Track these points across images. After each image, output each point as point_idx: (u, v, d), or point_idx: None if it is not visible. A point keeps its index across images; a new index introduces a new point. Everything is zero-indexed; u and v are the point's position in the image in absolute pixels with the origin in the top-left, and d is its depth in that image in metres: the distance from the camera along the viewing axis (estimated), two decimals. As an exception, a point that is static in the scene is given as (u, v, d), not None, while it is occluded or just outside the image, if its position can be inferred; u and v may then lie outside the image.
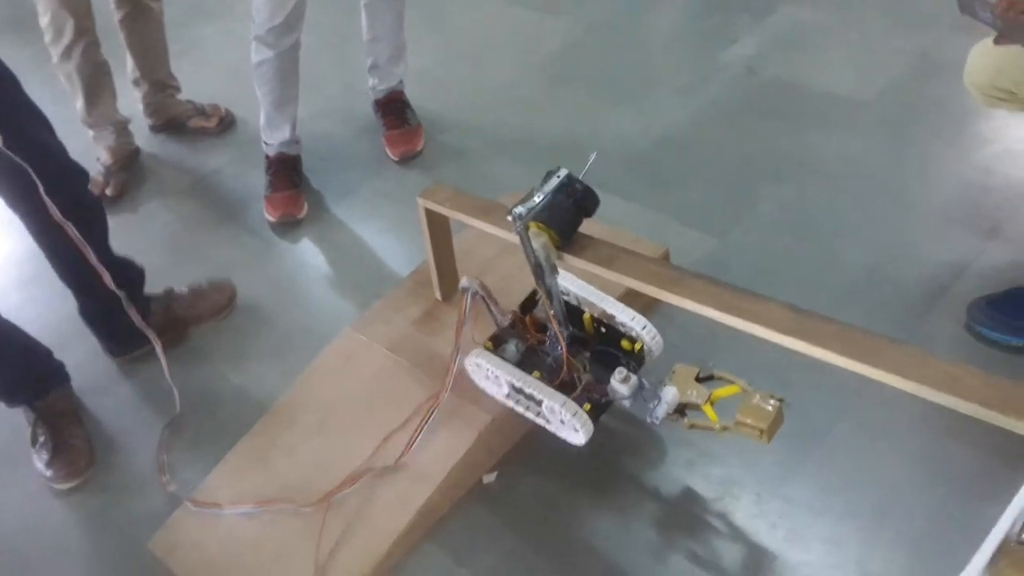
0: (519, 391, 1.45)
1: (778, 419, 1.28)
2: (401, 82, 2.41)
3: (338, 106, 2.58)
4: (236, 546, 1.50)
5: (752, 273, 1.78)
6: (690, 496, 1.49)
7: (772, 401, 1.28)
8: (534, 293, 1.52)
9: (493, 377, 1.48)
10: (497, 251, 1.84)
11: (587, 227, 1.36)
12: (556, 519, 1.49)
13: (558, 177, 1.32)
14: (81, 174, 1.71)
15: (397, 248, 2.09)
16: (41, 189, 1.46)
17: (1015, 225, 1.81)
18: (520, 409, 1.47)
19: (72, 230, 1.53)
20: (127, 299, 1.65)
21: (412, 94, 2.44)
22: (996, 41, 1.43)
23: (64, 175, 1.60)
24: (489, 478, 1.56)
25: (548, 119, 2.41)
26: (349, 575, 1.42)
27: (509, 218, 1.31)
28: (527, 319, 1.53)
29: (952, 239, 1.82)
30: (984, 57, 1.60)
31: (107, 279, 1.62)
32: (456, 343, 1.52)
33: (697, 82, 2.43)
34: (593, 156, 1.33)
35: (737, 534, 1.42)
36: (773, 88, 2.36)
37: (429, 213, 1.59)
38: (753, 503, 1.45)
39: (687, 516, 1.46)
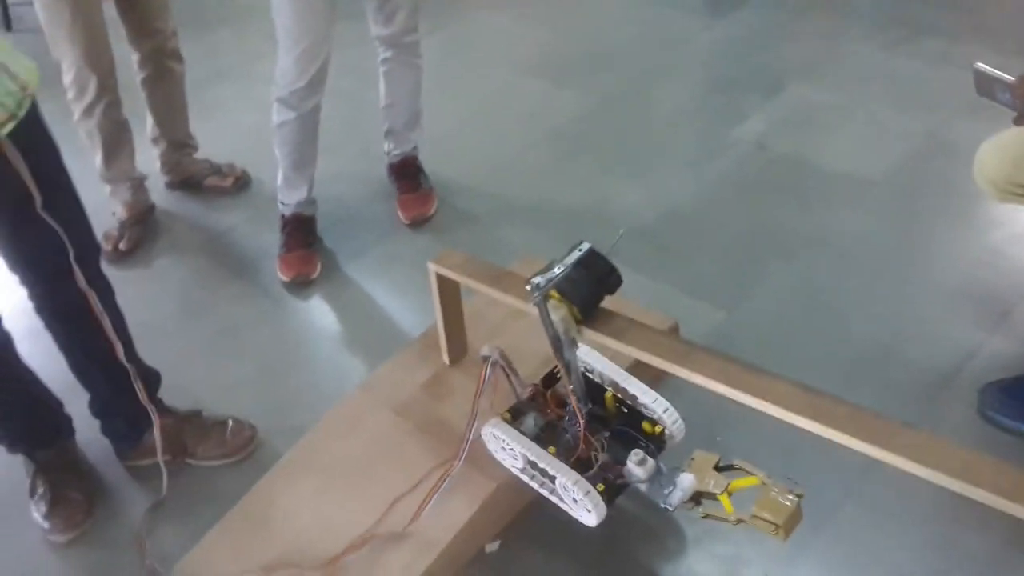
0: (533, 466, 1.43)
1: (796, 515, 1.26)
2: (416, 147, 2.45)
3: (353, 169, 2.62)
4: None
5: (760, 348, 1.78)
6: (693, 573, 1.46)
7: (791, 497, 1.26)
8: (556, 367, 1.50)
9: (509, 449, 1.46)
10: (505, 316, 1.84)
11: (598, 297, 1.36)
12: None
13: (580, 250, 1.32)
14: (99, 250, 1.72)
15: (406, 311, 2.10)
16: (72, 255, 1.47)
17: None
18: (535, 485, 1.45)
19: (95, 299, 1.53)
20: (135, 374, 1.63)
21: (426, 159, 2.47)
22: (1016, 122, 1.43)
23: (89, 246, 1.61)
24: (492, 547, 1.54)
25: (557, 188, 2.45)
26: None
27: (528, 287, 1.30)
28: (548, 393, 1.52)
29: (962, 322, 1.82)
30: (998, 152, 1.61)
31: (119, 351, 1.61)
32: (473, 411, 1.51)
33: (706, 157, 2.47)
34: (621, 233, 1.34)
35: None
36: (782, 165, 2.40)
37: (440, 278, 1.60)
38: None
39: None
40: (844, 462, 1.46)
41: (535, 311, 1.45)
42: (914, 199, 2.18)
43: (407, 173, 2.44)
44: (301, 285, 2.23)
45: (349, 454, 1.66)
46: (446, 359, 1.77)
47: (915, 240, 2.06)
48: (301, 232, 2.31)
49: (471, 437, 1.51)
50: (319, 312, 2.18)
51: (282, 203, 2.32)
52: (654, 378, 1.51)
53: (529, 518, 1.57)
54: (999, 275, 1.92)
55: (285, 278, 2.25)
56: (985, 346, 1.75)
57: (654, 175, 2.43)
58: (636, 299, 1.83)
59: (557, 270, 1.30)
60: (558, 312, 1.30)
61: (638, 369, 1.48)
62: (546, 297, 1.29)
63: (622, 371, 1.46)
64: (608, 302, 1.41)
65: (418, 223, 2.37)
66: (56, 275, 1.52)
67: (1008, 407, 1.59)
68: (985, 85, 1.45)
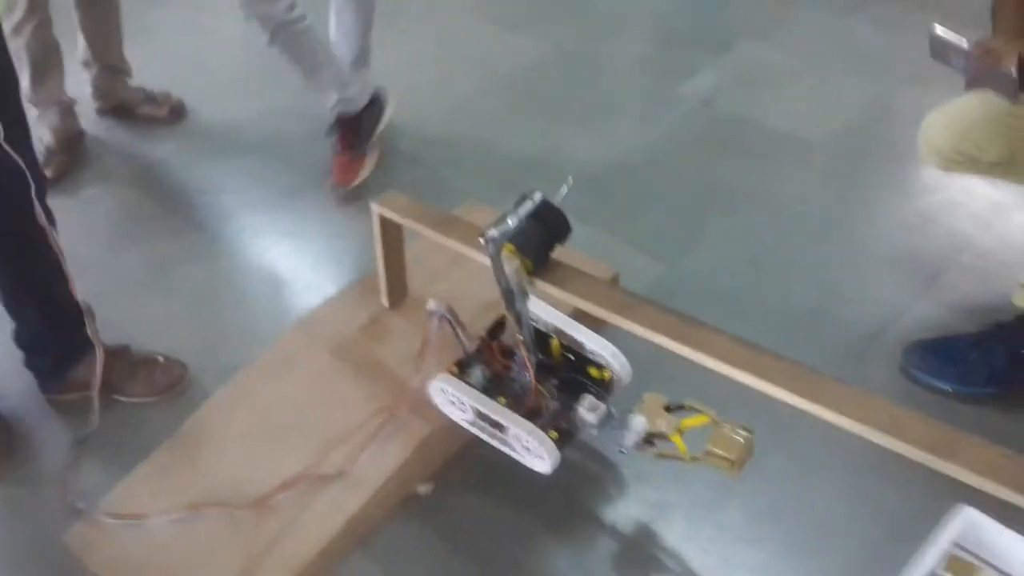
0: (484, 417, 1.43)
1: (748, 450, 1.28)
2: (361, 106, 2.32)
3: (298, 106, 2.54)
4: (157, 545, 1.45)
5: (698, 301, 1.80)
6: (621, 516, 1.49)
7: (743, 432, 1.28)
8: (502, 319, 1.49)
9: (458, 402, 1.45)
10: (447, 262, 1.83)
11: (540, 244, 1.36)
12: (488, 533, 1.48)
13: (532, 201, 1.30)
14: (46, 182, 1.65)
15: (346, 253, 2.06)
16: (33, 190, 1.42)
17: (952, 274, 1.87)
18: (485, 436, 1.45)
19: (53, 234, 1.48)
20: (87, 310, 1.59)
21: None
22: (968, 87, 1.44)
23: (41, 180, 1.54)
24: (425, 489, 1.54)
25: (507, 135, 2.42)
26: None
27: (481, 240, 1.29)
28: (494, 345, 1.50)
29: (893, 284, 1.87)
30: (945, 121, 1.63)
31: (74, 287, 1.55)
32: (420, 367, 1.49)
33: (655, 111, 2.47)
34: (568, 183, 1.33)
35: (668, 557, 1.42)
36: (729, 122, 2.41)
37: (383, 220, 1.57)
38: (684, 527, 1.46)
39: (616, 536, 1.46)
40: (773, 414, 1.50)
41: (479, 258, 1.45)
42: (855, 162, 2.21)
43: (344, 132, 2.35)
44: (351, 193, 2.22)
45: (283, 394, 1.64)
46: (385, 302, 1.75)
47: (853, 203, 2.10)
48: (347, 133, 2.27)
49: (416, 387, 1.49)
50: (256, 250, 2.13)
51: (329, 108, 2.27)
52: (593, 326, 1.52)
53: (463, 461, 1.57)
54: (929, 240, 1.97)
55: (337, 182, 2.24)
56: (912, 307, 1.80)
57: (603, 126, 2.42)
58: (578, 248, 1.84)
59: (511, 222, 1.28)
60: (511, 264, 1.28)
61: (578, 318, 1.49)
62: (499, 250, 1.28)
63: (568, 318, 1.46)
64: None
65: (342, 188, 2.27)
66: (13, 210, 1.46)
67: (929, 366, 1.65)
68: (940, 49, 1.45)
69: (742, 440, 1.27)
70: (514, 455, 1.42)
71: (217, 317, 1.93)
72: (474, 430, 1.46)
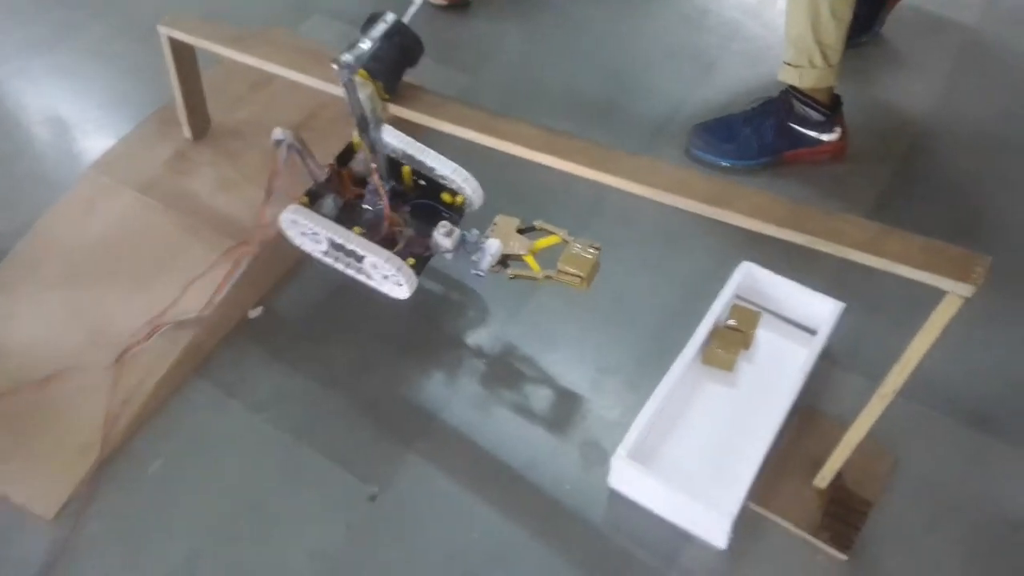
0: (339, 247, 1.41)
1: (596, 266, 1.34)
2: None
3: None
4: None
5: (502, 106, 1.87)
6: (443, 312, 1.59)
7: (591, 250, 1.34)
8: (350, 146, 1.46)
9: (311, 233, 1.42)
10: (247, 87, 1.79)
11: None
12: (315, 345, 1.54)
13: (385, 23, 1.25)
14: None
15: (136, 89, 1.95)
16: None
17: (727, 61, 2.03)
18: (340, 266, 1.43)
19: None
20: None
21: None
22: None
23: None
24: (255, 313, 1.57)
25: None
26: (110, 417, 1.39)
27: (334, 66, 1.22)
28: (344, 173, 1.47)
29: (675, 75, 2.00)
30: None
31: None
32: (267, 195, 1.44)
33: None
34: (418, 2, 1.28)
35: (495, 341, 1.55)
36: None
37: (173, 43, 1.50)
38: (511, 307, 1.58)
39: (441, 334, 1.56)
40: (575, 201, 1.63)
41: (278, 76, 1.42)
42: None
43: None
44: (461, 9, 2.12)
45: (91, 239, 1.59)
46: (188, 133, 1.70)
47: (633, 3, 2.19)
48: None
49: (267, 221, 1.45)
50: (33, 94, 1.98)
51: None
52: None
53: (290, 282, 1.61)
54: (706, 31, 2.11)
55: (441, 1, 2.15)
56: (693, 94, 1.95)
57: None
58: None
59: (364, 46, 1.23)
60: (365, 90, 1.25)
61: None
62: (354, 75, 1.23)
63: (417, 144, 1.43)
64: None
65: None
66: None
67: (709, 144, 1.81)
68: None
69: (590, 256, 1.33)
70: (371, 284, 1.43)
71: (4, 172, 1.81)
72: (328, 260, 1.45)
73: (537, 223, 1.40)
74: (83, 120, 1.92)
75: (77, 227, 1.61)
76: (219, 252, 1.53)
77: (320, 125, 1.73)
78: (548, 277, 1.35)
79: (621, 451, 1.30)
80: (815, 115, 1.76)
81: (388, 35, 1.25)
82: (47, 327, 1.49)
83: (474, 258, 1.37)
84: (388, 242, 1.40)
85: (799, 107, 1.76)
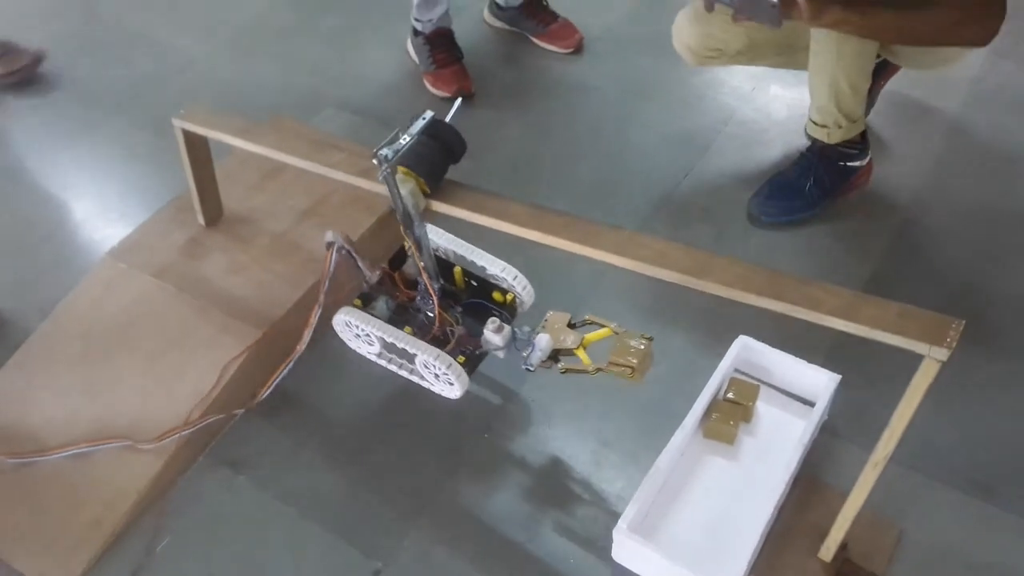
0: (392, 347, 1.43)
1: (648, 357, 1.33)
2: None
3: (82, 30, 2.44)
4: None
5: (501, 189, 1.92)
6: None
7: (642, 341, 1.33)
8: (402, 248, 1.49)
9: (364, 335, 1.45)
10: (260, 176, 1.86)
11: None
12: (320, 422, 1.57)
13: (424, 119, 1.27)
14: None
15: (154, 180, 2.04)
16: None
17: (721, 143, 2.09)
18: (394, 368, 1.46)
19: None
20: None
21: (162, 25, 2.34)
22: (735, 19, 1.52)
23: None
24: (263, 393, 1.60)
25: (304, 46, 2.43)
26: (123, 495, 1.42)
27: (374, 161, 1.21)
28: (396, 275, 1.50)
29: (671, 156, 2.07)
30: (692, 24, 1.83)
31: None
32: (318, 295, 1.47)
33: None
34: (458, 102, 1.32)
35: (496, 416, 1.57)
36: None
37: (187, 135, 1.58)
38: (508, 386, 1.60)
39: (441, 410, 1.55)
40: (576, 277, 1.67)
41: (289, 165, 1.49)
42: (631, 51, 2.39)
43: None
44: (464, 101, 2.11)
45: (108, 318, 1.63)
46: (201, 220, 1.76)
47: (633, 87, 2.28)
48: (447, 46, 2.28)
49: (315, 322, 1.47)
50: (57, 186, 2.07)
51: (418, 21, 2.24)
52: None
53: (297, 361, 1.65)
54: (701, 115, 2.18)
55: (446, 94, 2.23)
56: (689, 175, 2.01)
57: (398, 38, 2.46)
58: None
59: (403, 140, 1.23)
60: (406, 186, 1.25)
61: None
62: (393, 171, 1.24)
63: (466, 244, 1.47)
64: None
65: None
66: None
67: (779, 208, 1.87)
68: None
69: (642, 347, 1.32)
70: (424, 384, 1.45)
71: (27, 257, 1.89)
72: (382, 362, 1.47)
73: (588, 317, 1.40)
74: (104, 209, 2.00)
75: (94, 309, 1.66)
76: (227, 333, 1.57)
77: (329, 210, 1.80)
78: (599, 370, 1.34)
79: (622, 524, 1.30)
80: (853, 151, 1.86)
81: (427, 131, 1.26)
82: (63, 404, 1.53)
83: (524, 354, 1.37)
84: (440, 341, 1.42)
85: (840, 148, 1.85)
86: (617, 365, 1.32)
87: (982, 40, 1.52)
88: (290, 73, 2.36)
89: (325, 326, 1.51)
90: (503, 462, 1.50)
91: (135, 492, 1.42)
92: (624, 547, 1.33)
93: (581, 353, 1.36)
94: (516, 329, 1.40)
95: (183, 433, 1.46)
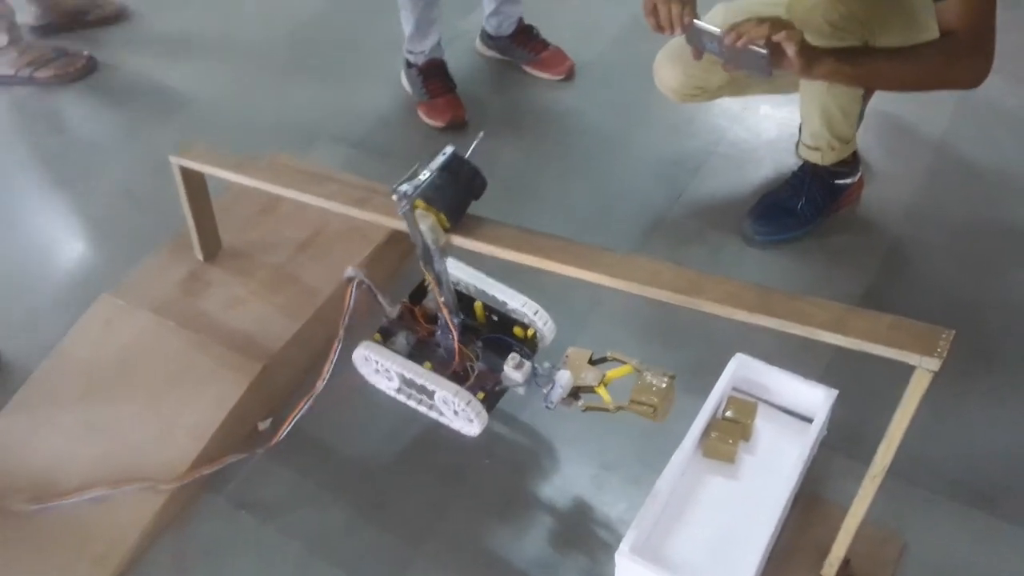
0: (410, 383, 1.43)
1: (670, 395, 1.33)
2: None
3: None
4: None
5: (498, 216, 1.94)
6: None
7: (664, 379, 1.33)
8: (422, 283, 1.49)
9: (383, 370, 1.45)
10: (257, 210, 1.88)
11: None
12: (322, 452, 1.57)
13: (444, 155, 1.26)
14: None
15: (150, 217, 2.06)
16: None
17: (713, 164, 2.11)
18: (412, 403, 1.46)
19: None
20: None
21: (157, 66, 2.37)
22: (725, 68, 1.56)
23: None
24: (264, 425, 1.61)
25: (296, 91, 2.47)
26: (128, 531, 1.42)
27: (394, 197, 1.22)
28: (417, 310, 1.49)
29: (663, 178, 2.09)
30: (671, 65, 1.87)
31: None
32: (339, 335, 1.44)
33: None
34: (480, 135, 1.31)
35: (498, 442, 1.57)
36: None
37: (184, 171, 1.60)
38: (508, 412, 1.60)
39: (442, 438, 1.53)
40: (573, 301, 1.68)
41: (285, 199, 1.50)
42: (623, 76, 2.42)
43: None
44: (457, 129, 2.22)
45: (108, 356, 1.64)
46: (199, 255, 1.78)
47: (625, 112, 2.30)
48: (440, 77, 2.30)
49: (335, 358, 1.44)
50: (54, 227, 2.09)
51: (411, 53, 2.28)
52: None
53: (297, 393, 1.66)
54: (691, 137, 2.20)
55: (440, 124, 2.25)
56: (683, 196, 2.03)
57: (390, 71, 2.49)
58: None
59: (423, 176, 1.23)
60: (426, 221, 1.24)
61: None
62: (413, 207, 1.23)
63: (488, 279, 1.47)
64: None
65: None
66: None
67: (773, 226, 1.89)
68: (695, 36, 1.55)
69: (664, 385, 1.32)
70: (443, 420, 1.44)
71: (25, 298, 1.90)
72: (401, 398, 1.48)
73: (610, 353, 1.39)
74: (102, 249, 2.02)
75: (94, 347, 1.67)
76: (228, 367, 1.58)
77: (325, 241, 1.82)
78: (620, 408, 1.33)
79: (624, 547, 1.30)
80: (844, 169, 1.89)
81: (446, 167, 1.26)
82: (66, 443, 1.53)
83: (544, 391, 1.36)
84: (460, 378, 1.41)
85: (831, 168, 1.88)
86: (639, 403, 1.32)
87: (971, 83, 1.53)
88: (285, 109, 2.39)
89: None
90: (505, 488, 1.50)
91: (139, 528, 1.42)
92: (627, 570, 1.33)
93: (602, 391, 1.35)
94: (536, 365, 1.39)
95: (206, 472, 1.47)
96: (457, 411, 1.39)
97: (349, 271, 1.43)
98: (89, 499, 1.45)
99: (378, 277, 1.60)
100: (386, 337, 1.48)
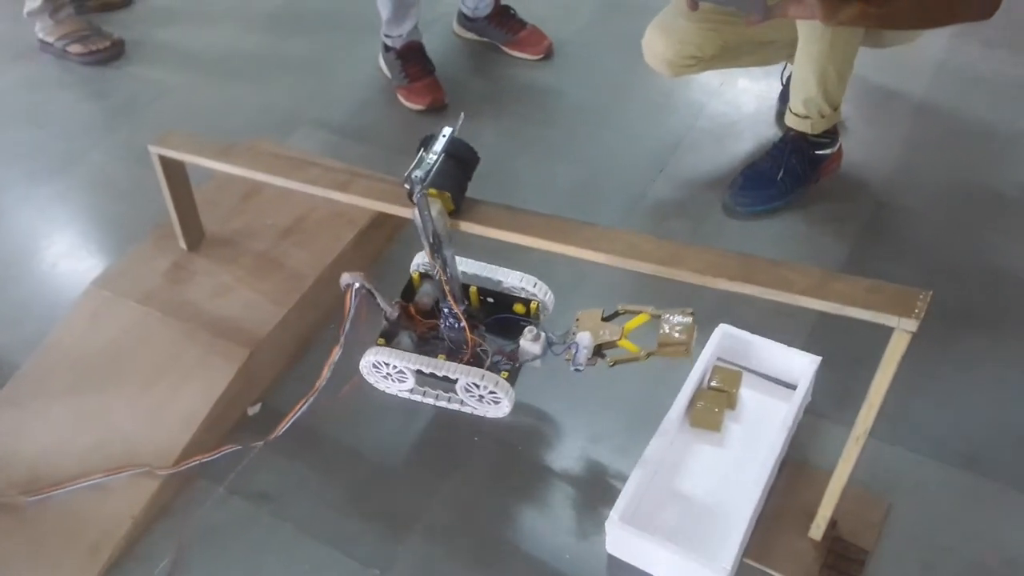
0: (428, 378, 1.41)
1: (694, 329, 1.29)
2: None
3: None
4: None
5: (480, 196, 1.96)
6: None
7: (686, 315, 1.30)
8: (411, 281, 1.49)
9: (396, 372, 1.43)
10: (239, 198, 1.88)
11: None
12: (311, 435, 1.57)
13: (444, 136, 1.23)
14: None
15: (134, 206, 2.05)
16: None
17: (693, 138, 2.12)
18: (430, 400, 1.45)
19: None
20: None
21: (145, 55, 2.36)
22: (690, 6, 1.61)
23: None
24: (253, 410, 1.62)
25: (278, 71, 2.46)
26: (120, 520, 1.43)
27: (406, 185, 1.18)
28: (411, 307, 1.48)
29: (646, 153, 2.10)
30: (664, 35, 1.84)
31: None
32: (341, 337, 1.40)
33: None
34: (462, 117, 1.30)
35: (485, 418, 1.58)
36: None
37: (164, 160, 1.60)
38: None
39: (431, 415, 1.57)
40: (556, 279, 1.68)
41: (268, 185, 1.50)
42: (600, 54, 2.42)
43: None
44: (437, 112, 2.23)
45: (96, 347, 1.65)
46: (183, 245, 1.78)
47: (604, 90, 2.31)
48: (419, 60, 2.30)
49: (334, 361, 1.41)
50: (40, 220, 2.08)
51: (389, 36, 2.28)
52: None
53: (286, 378, 1.67)
54: (671, 112, 2.21)
55: (420, 107, 2.26)
56: (663, 171, 2.04)
57: (368, 55, 2.49)
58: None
59: (429, 159, 1.19)
60: (436, 206, 1.21)
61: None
62: (425, 192, 1.19)
63: (478, 262, 1.46)
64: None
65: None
66: None
67: (754, 198, 1.90)
68: None
69: (688, 320, 1.29)
70: (466, 409, 1.44)
71: (10, 292, 1.90)
72: (416, 397, 1.46)
73: (620, 307, 1.37)
74: (85, 240, 2.02)
75: (81, 339, 1.67)
76: (215, 353, 1.59)
77: (309, 227, 1.82)
78: (651, 354, 1.31)
79: (614, 515, 1.32)
80: (825, 139, 1.90)
81: (447, 149, 1.22)
82: (56, 435, 1.54)
83: (567, 358, 1.34)
84: (475, 363, 1.40)
85: (813, 139, 1.89)
86: (669, 345, 1.29)
87: (989, 12, 1.51)
88: (264, 96, 2.38)
89: (316, 355, 1.50)
90: (494, 463, 1.52)
91: (131, 517, 1.43)
92: (617, 538, 1.35)
93: (626, 343, 1.33)
94: (550, 335, 1.38)
95: (204, 460, 1.47)
96: (483, 395, 1.38)
97: (345, 278, 1.39)
98: (82, 488, 1.45)
99: (362, 261, 1.61)
100: (389, 339, 1.46)
